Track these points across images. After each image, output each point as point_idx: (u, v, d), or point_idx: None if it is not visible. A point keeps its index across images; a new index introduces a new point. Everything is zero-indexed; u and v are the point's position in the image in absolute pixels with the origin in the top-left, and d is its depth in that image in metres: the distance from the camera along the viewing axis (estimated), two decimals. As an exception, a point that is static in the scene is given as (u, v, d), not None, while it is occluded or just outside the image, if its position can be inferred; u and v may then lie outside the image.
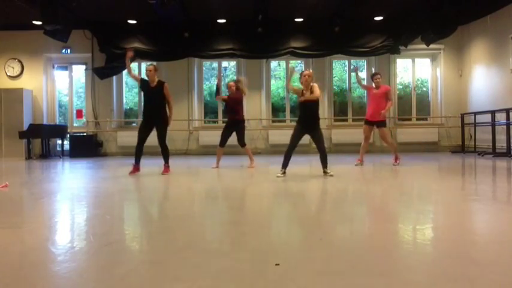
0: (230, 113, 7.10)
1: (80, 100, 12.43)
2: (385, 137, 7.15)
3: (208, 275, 1.74)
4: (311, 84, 5.69)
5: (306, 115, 5.69)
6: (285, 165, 5.64)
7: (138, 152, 6.06)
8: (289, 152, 5.70)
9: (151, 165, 7.47)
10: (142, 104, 6.13)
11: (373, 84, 7.35)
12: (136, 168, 6.09)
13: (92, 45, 11.49)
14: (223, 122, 11.93)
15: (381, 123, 7.09)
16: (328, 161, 5.62)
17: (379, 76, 7.34)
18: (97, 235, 2.48)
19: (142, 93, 6.10)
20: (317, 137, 5.64)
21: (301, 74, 5.74)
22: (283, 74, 12.67)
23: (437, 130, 11.54)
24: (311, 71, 5.88)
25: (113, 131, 11.65)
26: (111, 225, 2.84)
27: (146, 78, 6.07)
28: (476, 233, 2.57)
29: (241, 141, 7.04)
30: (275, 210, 3.53)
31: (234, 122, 7.02)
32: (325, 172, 5.50)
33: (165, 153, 6.11)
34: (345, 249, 2.15)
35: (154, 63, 6.19)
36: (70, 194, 4.37)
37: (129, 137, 11.44)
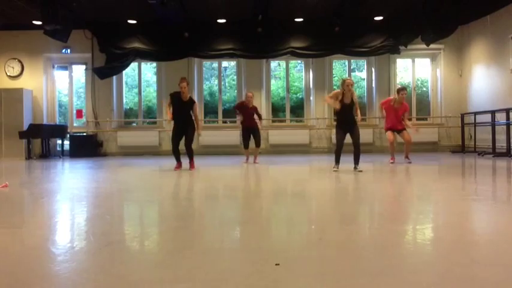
0: (248, 120, 8.11)
1: (80, 100, 12.43)
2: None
3: (208, 275, 1.74)
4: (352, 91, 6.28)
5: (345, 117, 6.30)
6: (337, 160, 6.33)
7: (177, 154, 6.80)
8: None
9: (151, 165, 7.48)
10: (173, 112, 6.80)
11: (398, 99, 7.75)
12: (179, 164, 6.83)
13: (92, 45, 11.49)
14: (223, 122, 11.99)
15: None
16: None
17: (405, 92, 7.80)
18: (97, 235, 2.48)
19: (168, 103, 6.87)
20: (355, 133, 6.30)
21: (343, 83, 6.24)
22: (283, 74, 12.67)
23: (437, 130, 11.54)
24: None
25: (113, 131, 11.65)
26: (111, 225, 2.84)
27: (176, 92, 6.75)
28: (476, 233, 2.57)
29: (259, 143, 8.22)
30: (275, 210, 3.53)
31: (252, 128, 8.12)
32: (355, 168, 6.17)
33: (191, 154, 6.85)
34: (345, 249, 2.15)
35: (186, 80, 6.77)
36: (70, 194, 4.37)
37: (129, 137, 11.49)
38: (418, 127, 8.66)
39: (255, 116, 8.16)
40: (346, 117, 6.24)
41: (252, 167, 7.25)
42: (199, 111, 11.90)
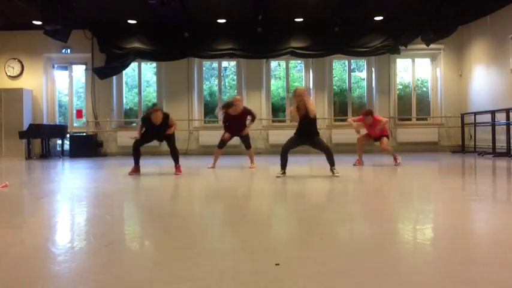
0: (234, 129, 7.12)
1: (80, 100, 12.43)
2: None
3: (208, 275, 1.74)
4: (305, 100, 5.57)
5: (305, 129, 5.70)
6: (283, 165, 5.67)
7: (137, 154, 6.24)
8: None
9: (150, 165, 7.48)
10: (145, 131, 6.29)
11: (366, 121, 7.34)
12: (137, 168, 6.23)
13: (92, 45, 11.49)
14: (223, 122, 11.95)
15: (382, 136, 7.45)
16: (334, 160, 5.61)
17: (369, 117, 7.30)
18: (97, 235, 2.48)
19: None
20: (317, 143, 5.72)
21: (294, 92, 5.66)
22: (283, 74, 12.67)
23: (437, 130, 11.54)
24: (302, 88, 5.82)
25: (113, 131, 11.65)
26: (111, 225, 2.84)
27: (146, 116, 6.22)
28: (476, 233, 2.57)
29: (248, 145, 7.27)
30: (275, 210, 3.53)
31: (239, 134, 7.22)
32: (331, 170, 5.50)
33: (175, 155, 6.27)
34: (345, 249, 2.15)
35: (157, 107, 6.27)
36: (70, 194, 4.37)
37: (129, 137, 11.46)
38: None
39: (248, 118, 7.22)
40: (304, 129, 5.66)
41: (251, 168, 7.22)
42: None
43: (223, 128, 7.24)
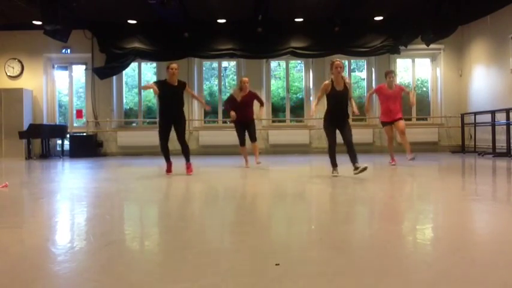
0: (240, 113, 7.07)
1: (80, 100, 12.43)
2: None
3: (208, 275, 1.74)
4: (342, 75, 5.39)
5: (336, 108, 5.39)
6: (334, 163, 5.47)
7: (166, 152, 6.05)
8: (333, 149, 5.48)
9: (151, 165, 7.48)
10: (159, 103, 6.15)
11: (388, 84, 7.07)
12: (170, 165, 6.08)
13: (92, 45, 11.49)
14: (223, 122, 11.97)
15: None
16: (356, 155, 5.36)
17: (392, 75, 7.10)
18: (97, 235, 2.48)
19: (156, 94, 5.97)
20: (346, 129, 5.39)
21: (332, 65, 5.38)
22: (283, 74, 12.67)
23: (437, 130, 11.54)
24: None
25: (113, 131, 11.65)
26: (111, 225, 2.84)
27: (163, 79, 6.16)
28: (476, 233, 2.57)
29: (254, 137, 7.19)
30: (275, 210, 3.53)
31: (246, 121, 7.13)
32: (356, 168, 5.20)
33: (187, 150, 6.10)
34: (345, 249, 2.15)
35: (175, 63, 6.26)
36: (70, 194, 4.37)
37: (129, 137, 11.49)
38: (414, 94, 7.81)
39: (255, 102, 7.18)
40: (337, 108, 5.33)
41: (252, 168, 7.22)
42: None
43: (225, 109, 7.16)
